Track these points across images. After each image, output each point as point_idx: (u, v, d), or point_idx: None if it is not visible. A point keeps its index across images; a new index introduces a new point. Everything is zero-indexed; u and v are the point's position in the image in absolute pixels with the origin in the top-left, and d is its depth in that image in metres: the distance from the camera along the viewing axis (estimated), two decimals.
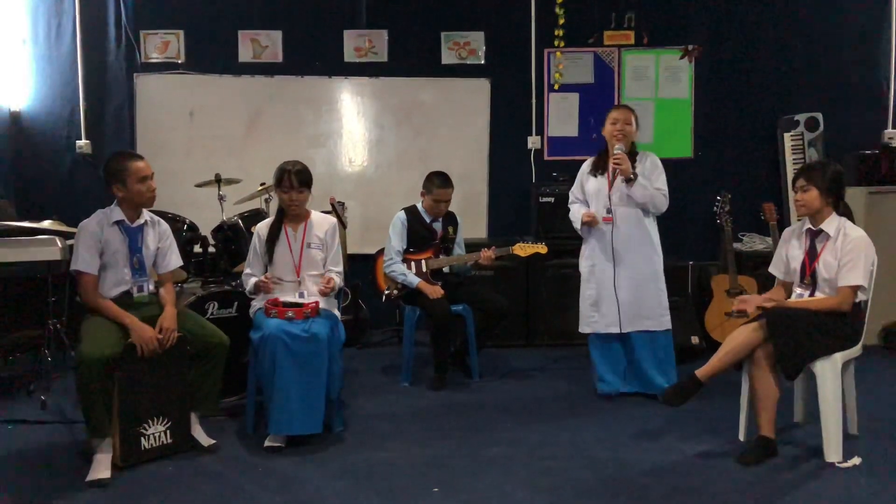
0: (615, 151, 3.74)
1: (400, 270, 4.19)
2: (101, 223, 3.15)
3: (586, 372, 4.28)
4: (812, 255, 3.14)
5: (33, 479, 2.90)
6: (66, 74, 5.39)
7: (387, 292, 4.28)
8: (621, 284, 3.78)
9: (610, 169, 3.79)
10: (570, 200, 4.04)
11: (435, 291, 4.07)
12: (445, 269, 4.28)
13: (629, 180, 3.72)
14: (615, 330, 3.82)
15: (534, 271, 5.01)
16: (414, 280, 4.14)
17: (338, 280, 3.48)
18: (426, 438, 3.30)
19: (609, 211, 3.77)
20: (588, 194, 3.92)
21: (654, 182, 3.77)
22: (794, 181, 3.21)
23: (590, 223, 3.84)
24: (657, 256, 3.86)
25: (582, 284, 3.96)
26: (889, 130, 5.53)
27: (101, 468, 2.85)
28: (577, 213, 3.94)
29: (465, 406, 3.78)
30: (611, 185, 3.80)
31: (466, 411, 3.69)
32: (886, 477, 2.80)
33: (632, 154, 3.80)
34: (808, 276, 3.14)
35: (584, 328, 3.94)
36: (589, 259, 3.92)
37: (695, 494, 2.70)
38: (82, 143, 5.42)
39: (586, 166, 3.99)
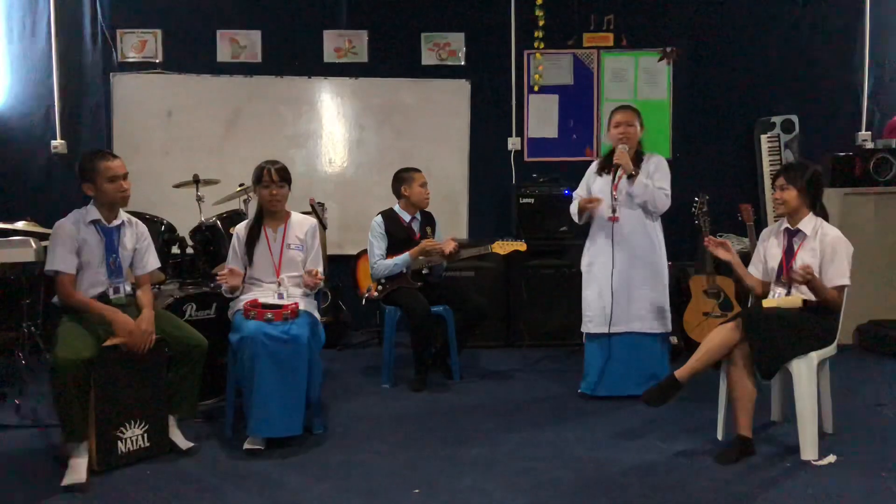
0: (618, 149, 3.77)
1: (386, 264, 4.15)
2: (78, 222, 3.09)
3: (566, 372, 4.30)
4: (789, 254, 3.18)
5: (7, 484, 2.85)
6: (41, 73, 5.32)
7: (367, 293, 4.26)
8: (618, 284, 3.78)
9: (614, 168, 3.81)
10: (573, 199, 4.01)
11: (447, 245, 4.09)
12: (425, 270, 4.27)
13: (630, 177, 3.73)
14: (606, 330, 3.80)
15: (514, 272, 5.02)
16: (405, 258, 4.12)
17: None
18: (407, 440, 3.30)
19: (613, 210, 3.77)
20: (593, 194, 3.91)
21: (656, 181, 3.78)
22: (774, 179, 3.26)
23: (588, 207, 3.82)
24: (660, 258, 3.87)
25: (583, 283, 3.96)
26: (863, 133, 5.63)
27: (78, 473, 2.80)
28: (575, 207, 3.93)
29: (446, 407, 3.77)
30: (615, 185, 3.81)
31: (447, 412, 3.69)
32: (860, 474, 2.84)
33: (638, 155, 3.81)
34: (786, 274, 3.18)
35: (584, 327, 3.93)
36: (589, 257, 3.93)
37: (674, 493, 2.72)
38: (57, 142, 5.35)
39: (594, 166, 4.00)
